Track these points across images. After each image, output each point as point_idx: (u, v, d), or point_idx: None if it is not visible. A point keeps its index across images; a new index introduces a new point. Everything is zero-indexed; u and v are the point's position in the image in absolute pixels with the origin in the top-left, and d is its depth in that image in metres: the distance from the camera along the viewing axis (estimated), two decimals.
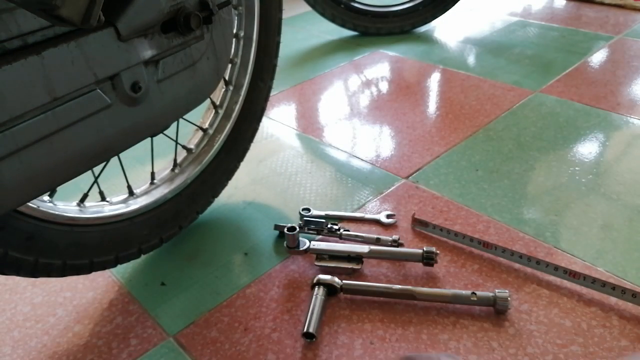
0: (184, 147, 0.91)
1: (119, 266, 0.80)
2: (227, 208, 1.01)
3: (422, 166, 1.10)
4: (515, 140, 1.18)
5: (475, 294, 0.75)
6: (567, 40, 1.72)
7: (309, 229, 0.91)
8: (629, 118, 1.25)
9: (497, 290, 0.75)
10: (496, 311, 0.75)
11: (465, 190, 1.02)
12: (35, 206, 0.65)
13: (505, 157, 1.12)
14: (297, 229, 0.84)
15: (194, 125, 0.92)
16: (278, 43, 0.95)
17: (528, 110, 1.31)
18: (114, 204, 0.79)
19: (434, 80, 1.50)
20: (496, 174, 1.06)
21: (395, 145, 1.19)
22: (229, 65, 0.92)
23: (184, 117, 0.76)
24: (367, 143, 1.20)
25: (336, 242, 0.90)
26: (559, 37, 1.75)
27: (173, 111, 0.72)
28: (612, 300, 0.77)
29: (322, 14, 1.75)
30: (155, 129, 0.72)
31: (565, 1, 2.10)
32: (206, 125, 0.92)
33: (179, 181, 0.87)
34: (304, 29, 1.94)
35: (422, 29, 1.88)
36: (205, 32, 0.71)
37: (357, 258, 0.84)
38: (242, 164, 0.99)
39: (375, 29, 1.82)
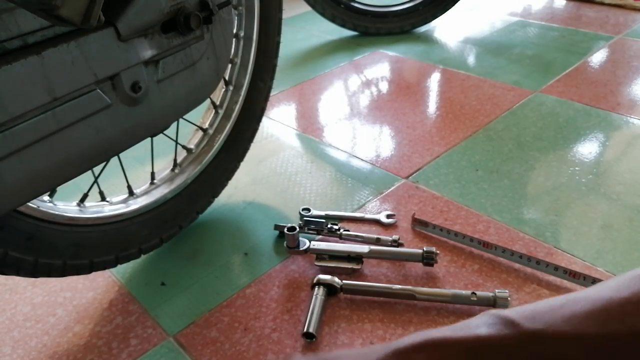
0: (184, 147, 0.91)
1: (119, 266, 0.80)
2: (227, 208, 1.01)
3: (422, 166, 1.10)
4: (515, 140, 1.18)
5: (475, 294, 0.75)
6: (567, 40, 1.72)
7: (309, 229, 0.91)
8: (629, 118, 1.25)
9: (497, 290, 0.75)
10: None
11: (465, 190, 1.02)
12: (35, 206, 0.65)
13: (505, 157, 1.12)
14: (297, 229, 0.84)
15: (194, 125, 0.92)
16: (278, 43, 0.95)
17: (528, 110, 1.30)
18: (114, 204, 0.79)
19: (434, 80, 1.50)
20: (496, 174, 1.06)
21: (395, 145, 1.19)
22: (229, 65, 0.92)
23: (184, 117, 0.76)
24: (367, 143, 1.20)
25: (336, 242, 0.90)
26: (559, 37, 1.75)
27: (173, 111, 0.72)
28: None
29: (322, 14, 1.75)
30: (155, 129, 0.72)
31: (565, 1, 2.10)
32: (206, 125, 0.92)
33: (179, 181, 0.87)
34: (304, 29, 1.94)
35: (422, 29, 1.88)
36: (205, 32, 0.71)
37: (357, 258, 0.84)
38: (242, 164, 0.99)
39: (375, 29, 1.82)
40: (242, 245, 0.91)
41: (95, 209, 0.76)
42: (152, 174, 0.87)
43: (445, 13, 1.83)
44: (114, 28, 0.58)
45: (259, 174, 1.10)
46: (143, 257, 0.86)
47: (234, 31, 0.89)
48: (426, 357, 0.34)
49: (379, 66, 1.60)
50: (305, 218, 0.94)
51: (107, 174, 0.77)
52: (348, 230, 0.90)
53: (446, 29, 1.88)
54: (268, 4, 0.90)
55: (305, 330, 0.72)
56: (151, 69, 0.65)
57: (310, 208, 0.97)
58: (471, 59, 1.62)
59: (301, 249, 0.85)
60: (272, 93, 1.02)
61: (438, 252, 0.82)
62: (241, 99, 0.93)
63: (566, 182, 1.03)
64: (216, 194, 0.95)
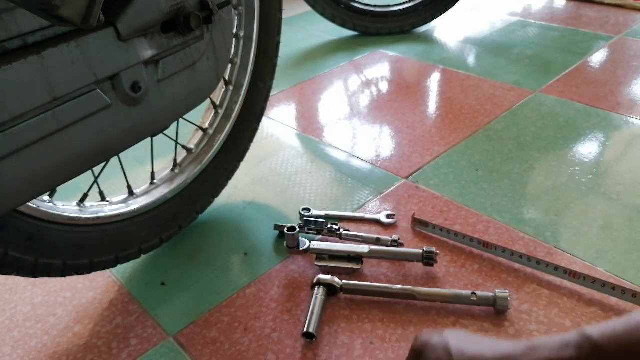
0: (184, 147, 0.91)
1: (119, 266, 0.80)
2: (227, 208, 1.01)
3: (422, 166, 1.10)
4: (515, 140, 1.18)
5: (475, 294, 0.75)
6: (567, 40, 1.72)
7: (309, 229, 0.91)
8: (629, 118, 1.25)
9: (497, 290, 0.75)
10: (496, 311, 0.75)
11: (465, 190, 1.02)
12: (35, 206, 0.65)
13: (505, 157, 1.12)
14: (297, 229, 0.84)
15: (194, 125, 0.92)
16: (278, 43, 0.95)
17: (528, 110, 1.31)
18: (114, 204, 0.79)
19: (434, 80, 1.50)
20: (496, 174, 1.06)
21: (395, 145, 1.19)
22: (229, 65, 0.92)
23: (184, 117, 0.76)
24: (367, 143, 1.20)
25: (336, 242, 0.90)
26: (559, 37, 1.75)
27: (173, 111, 0.72)
28: (612, 300, 0.77)
29: (322, 14, 1.75)
30: (155, 129, 0.72)
31: (565, 1, 2.10)
32: (206, 125, 0.92)
33: (179, 181, 0.87)
34: (304, 29, 1.94)
35: (422, 29, 1.88)
36: (205, 32, 0.71)
37: (357, 258, 0.84)
38: (242, 164, 0.99)
39: (375, 29, 1.82)
40: (242, 245, 0.91)
41: (95, 209, 0.76)
42: (152, 174, 0.87)
43: (445, 13, 1.83)
44: (114, 28, 0.58)
45: (259, 174, 1.10)
46: (143, 257, 0.86)
47: (234, 31, 0.89)
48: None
49: (379, 66, 1.60)
50: (305, 218, 0.94)
51: (107, 174, 0.77)
52: (348, 230, 0.90)
53: (446, 29, 1.88)
54: (268, 4, 0.90)
55: (305, 330, 0.72)
56: (151, 69, 0.65)
57: (310, 208, 0.97)
58: (471, 59, 1.62)
59: (301, 249, 0.85)
60: (272, 93, 1.02)
61: (438, 252, 0.82)
62: (241, 99, 0.93)
63: (566, 182, 1.03)
64: (216, 194, 0.95)
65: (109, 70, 0.59)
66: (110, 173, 0.79)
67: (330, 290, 0.78)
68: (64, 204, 0.72)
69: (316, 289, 0.78)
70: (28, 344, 0.75)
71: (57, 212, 0.68)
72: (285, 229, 0.85)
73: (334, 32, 1.87)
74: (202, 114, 0.95)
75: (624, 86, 1.40)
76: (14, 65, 0.50)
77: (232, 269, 0.86)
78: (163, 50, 0.65)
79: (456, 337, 0.48)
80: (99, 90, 0.59)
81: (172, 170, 0.89)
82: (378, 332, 0.74)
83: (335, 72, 1.58)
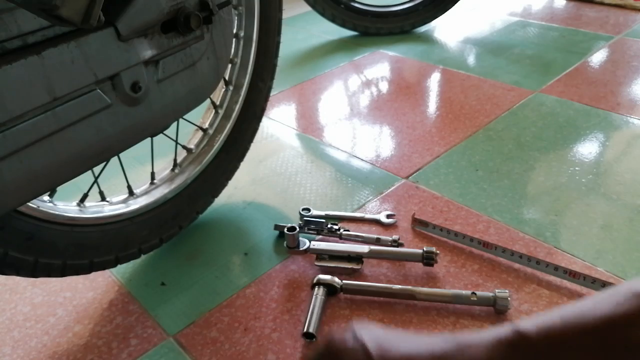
0: (184, 147, 0.91)
1: (119, 266, 0.80)
2: (227, 208, 1.01)
3: (422, 166, 1.10)
4: (515, 140, 1.18)
5: (475, 294, 0.75)
6: (567, 40, 1.72)
7: (309, 229, 0.91)
8: (629, 118, 1.25)
9: (497, 290, 0.75)
10: (496, 311, 0.75)
11: (465, 190, 1.02)
12: (35, 206, 0.65)
13: (505, 157, 1.12)
14: (297, 229, 0.84)
15: (194, 125, 0.92)
16: (278, 43, 0.95)
17: (528, 110, 1.31)
18: (114, 204, 0.79)
19: (434, 80, 1.50)
20: (496, 174, 1.06)
21: (395, 145, 1.19)
22: (229, 65, 0.92)
23: (184, 117, 0.76)
24: (367, 143, 1.20)
25: (336, 242, 0.90)
26: (559, 37, 1.75)
27: (173, 111, 0.72)
28: None
29: (322, 14, 1.75)
30: (155, 129, 0.72)
31: (565, 1, 2.10)
32: (206, 125, 0.92)
33: (179, 181, 0.87)
34: (304, 29, 1.94)
35: (422, 29, 1.88)
36: (205, 32, 0.71)
37: (357, 258, 0.84)
38: (242, 164, 0.99)
39: (375, 29, 1.82)
40: (242, 245, 0.91)
41: (95, 209, 0.76)
42: (152, 174, 0.87)
43: (445, 13, 1.83)
44: (114, 28, 0.58)
45: (259, 174, 1.10)
46: (143, 257, 0.86)
47: (234, 31, 0.89)
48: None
49: (379, 66, 1.60)
50: (305, 218, 0.94)
51: (107, 174, 0.77)
52: (348, 230, 0.90)
53: (446, 29, 1.88)
54: (268, 4, 0.90)
55: (305, 330, 0.72)
56: (151, 69, 0.65)
57: (310, 208, 0.97)
58: (471, 59, 1.62)
59: (301, 249, 0.85)
60: (272, 93, 1.02)
61: (438, 252, 0.82)
62: (241, 99, 0.93)
63: (566, 182, 1.03)
64: (216, 194, 0.95)
65: (109, 70, 0.59)
66: (110, 173, 0.79)
67: (330, 290, 0.78)
68: (64, 204, 0.72)
69: (316, 288, 0.78)
70: (28, 344, 0.75)
71: (57, 212, 0.68)
72: (285, 229, 0.85)
73: (334, 32, 1.87)
74: (202, 114, 0.95)
75: (624, 86, 1.40)
76: (14, 65, 0.50)
77: (232, 269, 0.86)
78: (163, 50, 0.65)
79: (372, 336, 0.42)
80: (99, 90, 0.59)
81: (172, 170, 0.89)
82: None
83: (335, 72, 1.58)
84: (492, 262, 0.85)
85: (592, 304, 0.36)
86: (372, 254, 0.84)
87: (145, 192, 0.85)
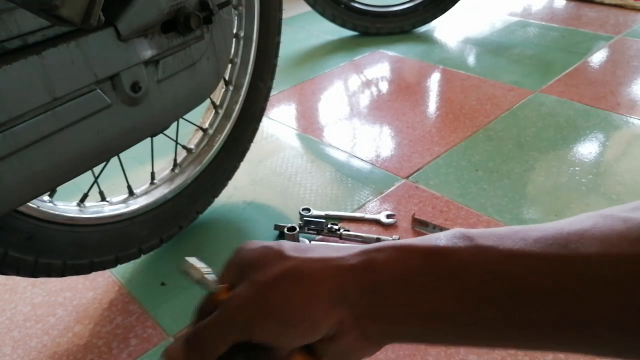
0: (184, 147, 0.91)
1: (119, 266, 0.80)
2: (227, 208, 1.01)
3: (422, 166, 1.10)
4: (515, 140, 1.18)
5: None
6: (567, 40, 1.72)
7: (309, 229, 0.91)
8: (629, 118, 1.25)
9: None
10: None
11: (465, 190, 1.02)
12: (35, 206, 0.65)
13: (505, 157, 1.12)
14: (297, 229, 0.84)
15: (194, 125, 0.92)
16: (278, 43, 0.95)
17: (528, 110, 1.30)
18: (114, 204, 0.79)
19: (434, 80, 1.50)
20: (496, 174, 1.06)
21: (395, 145, 1.19)
22: (229, 65, 0.92)
23: (184, 117, 0.76)
24: (367, 143, 1.20)
25: (336, 242, 0.90)
26: (559, 37, 1.75)
27: (173, 111, 0.72)
28: None
29: (322, 14, 1.75)
30: (155, 129, 0.72)
31: (565, 1, 2.10)
32: (206, 125, 0.92)
33: (179, 181, 0.87)
34: (304, 29, 1.94)
35: (422, 29, 1.88)
36: (205, 32, 0.71)
37: None
38: (242, 164, 0.99)
39: (375, 29, 1.82)
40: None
41: (95, 209, 0.76)
42: (152, 174, 0.87)
43: (445, 13, 1.83)
44: (114, 28, 0.58)
45: (259, 174, 1.10)
46: (143, 257, 0.86)
47: (234, 31, 0.89)
48: (386, 257, 0.37)
49: (379, 66, 1.60)
50: (305, 218, 0.94)
51: (107, 174, 0.77)
52: (348, 230, 0.90)
53: (446, 29, 1.88)
54: (268, 4, 0.90)
55: None
56: (151, 69, 0.65)
57: (310, 208, 0.97)
58: (471, 59, 1.62)
59: None
60: (272, 93, 1.02)
61: None
62: (241, 99, 0.93)
63: (566, 182, 1.03)
64: (216, 194, 0.95)
65: (109, 70, 0.59)
66: (110, 173, 0.79)
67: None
68: (64, 204, 0.72)
69: None
70: (28, 344, 0.75)
71: (57, 212, 0.68)
72: (285, 229, 0.85)
73: (334, 32, 1.87)
74: (202, 114, 0.94)
75: (624, 86, 1.40)
76: (14, 65, 0.50)
77: None
78: (163, 50, 0.65)
79: (287, 243, 0.41)
80: (99, 90, 0.59)
81: (172, 170, 0.89)
82: None
83: (335, 72, 1.58)
84: None
85: (541, 224, 0.35)
86: None
87: (145, 192, 0.85)
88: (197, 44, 0.70)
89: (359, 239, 0.89)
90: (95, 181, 0.76)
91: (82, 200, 0.76)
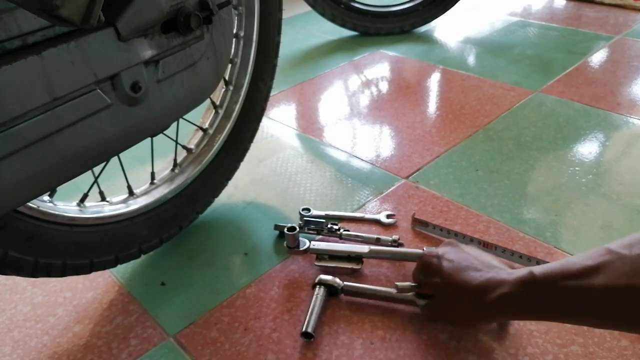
0: (184, 147, 0.91)
1: (119, 266, 0.80)
2: (227, 208, 1.01)
3: (422, 166, 1.10)
4: (515, 140, 1.18)
5: None
6: (567, 40, 1.72)
7: (309, 229, 0.91)
8: (629, 118, 1.25)
9: None
10: None
11: (465, 190, 1.02)
12: (35, 206, 0.65)
13: (505, 157, 1.12)
14: (297, 229, 0.84)
15: (194, 125, 0.92)
16: (278, 43, 0.95)
17: (528, 110, 1.31)
18: (114, 204, 0.79)
19: (434, 80, 1.50)
20: (496, 174, 1.06)
21: (395, 145, 1.19)
22: (229, 65, 0.92)
23: (184, 117, 0.76)
24: (367, 143, 1.20)
25: (336, 242, 0.90)
26: (559, 37, 1.75)
27: (173, 111, 0.72)
28: None
29: (322, 14, 1.75)
30: (155, 129, 0.72)
31: (565, 1, 2.10)
32: (206, 125, 0.92)
33: (179, 181, 0.87)
34: (304, 29, 1.94)
35: (422, 29, 1.88)
36: (205, 32, 0.71)
37: (357, 258, 0.84)
38: (242, 164, 0.99)
39: (375, 29, 1.82)
40: (242, 245, 0.91)
41: (95, 209, 0.76)
42: (152, 174, 0.87)
43: (445, 13, 1.83)
44: (114, 28, 0.58)
45: (259, 174, 1.10)
46: (143, 257, 0.86)
47: (234, 31, 0.89)
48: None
49: (379, 66, 1.60)
50: (305, 218, 0.94)
51: (107, 174, 0.77)
52: (348, 230, 0.90)
53: (446, 29, 1.88)
54: (268, 4, 0.90)
55: (303, 329, 0.72)
56: (151, 69, 0.65)
57: (310, 208, 0.97)
58: (471, 59, 1.62)
59: (301, 249, 0.85)
60: (272, 93, 1.02)
61: None
62: (241, 99, 0.93)
63: (566, 182, 1.03)
64: (216, 194, 0.95)
65: (109, 70, 0.59)
66: (110, 173, 0.79)
67: (331, 290, 0.78)
68: (64, 204, 0.72)
69: (317, 288, 0.78)
70: (28, 344, 0.75)
71: (57, 212, 0.68)
72: (285, 229, 0.85)
73: (334, 32, 1.87)
74: (202, 114, 0.95)
75: (624, 86, 1.40)
76: (14, 65, 0.50)
77: (232, 269, 0.86)
78: (163, 50, 0.65)
79: (445, 250, 0.73)
80: (99, 90, 0.59)
81: (172, 170, 0.89)
82: (378, 332, 0.74)
83: (335, 72, 1.58)
84: None
85: (581, 257, 0.56)
86: (372, 254, 0.84)
87: (145, 192, 0.85)
88: (197, 44, 0.70)
89: (359, 239, 0.89)
90: (95, 181, 0.76)
91: (82, 200, 0.76)
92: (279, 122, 1.31)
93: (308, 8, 1.78)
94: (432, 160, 1.12)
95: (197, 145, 0.92)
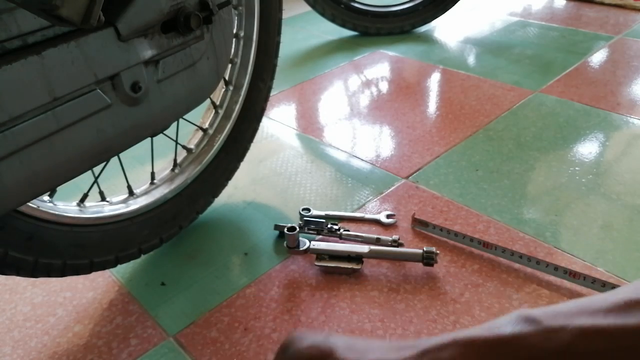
0: (184, 147, 0.91)
1: (119, 266, 0.80)
2: (227, 208, 1.01)
3: (422, 166, 1.10)
4: (515, 140, 1.18)
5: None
6: (567, 40, 1.72)
7: (309, 229, 0.91)
8: (629, 118, 1.25)
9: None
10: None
11: (465, 190, 1.02)
12: (35, 206, 0.65)
13: (505, 157, 1.12)
14: (297, 229, 0.84)
15: (194, 125, 0.92)
16: (278, 43, 0.95)
17: (528, 110, 1.31)
18: (114, 204, 0.79)
19: (434, 80, 1.50)
20: (496, 174, 1.06)
21: (395, 145, 1.19)
22: (229, 65, 0.92)
23: (184, 117, 0.76)
24: (367, 143, 1.20)
25: (336, 242, 0.90)
26: (559, 37, 1.75)
27: (173, 111, 0.72)
28: None
29: (322, 14, 1.75)
30: (155, 129, 0.72)
31: (565, 1, 2.10)
32: (206, 125, 0.92)
33: (179, 181, 0.87)
34: (304, 29, 1.94)
35: (422, 29, 1.88)
36: (205, 32, 0.71)
37: (357, 258, 0.84)
38: (242, 164, 0.99)
39: (375, 29, 1.82)
40: (242, 245, 0.91)
41: (95, 209, 0.76)
42: (152, 174, 0.87)
43: (445, 13, 1.83)
44: (114, 28, 0.59)
45: (259, 174, 1.10)
46: (143, 257, 0.86)
47: (234, 31, 0.89)
48: (450, 355, 0.35)
49: (379, 66, 1.60)
50: (305, 218, 0.94)
51: (107, 174, 0.77)
52: (348, 230, 0.90)
53: (446, 29, 1.88)
54: (268, 4, 0.90)
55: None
56: (151, 69, 0.65)
57: (310, 208, 0.97)
58: (471, 59, 1.62)
59: (301, 249, 0.85)
60: (272, 93, 1.02)
61: (438, 252, 0.82)
62: (241, 99, 0.93)
63: (566, 182, 1.03)
64: (216, 194, 0.95)
65: (109, 70, 0.59)
66: (110, 173, 0.79)
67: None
68: (64, 204, 0.72)
69: None
70: (28, 344, 0.75)
71: (57, 212, 0.68)
72: (285, 229, 0.85)
73: (334, 32, 1.87)
74: (202, 114, 0.95)
75: (624, 86, 1.40)
76: (14, 65, 0.50)
77: (232, 269, 0.86)
78: (163, 50, 0.65)
79: (341, 341, 0.40)
80: (99, 90, 0.59)
81: (172, 170, 0.89)
82: (378, 332, 0.74)
83: (335, 72, 1.58)
84: (492, 262, 0.85)
85: (603, 294, 0.36)
86: (372, 254, 0.84)
87: (145, 192, 0.85)
88: (197, 44, 0.70)
89: (359, 239, 0.89)
90: (95, 181, 0.76)
91: (82, 200, 0.76)
92: (279, 122, 1.31)
93: (308, 8, 1.78)
94: (432, 160, 1.12)
95: (197, 145, 0.92)
